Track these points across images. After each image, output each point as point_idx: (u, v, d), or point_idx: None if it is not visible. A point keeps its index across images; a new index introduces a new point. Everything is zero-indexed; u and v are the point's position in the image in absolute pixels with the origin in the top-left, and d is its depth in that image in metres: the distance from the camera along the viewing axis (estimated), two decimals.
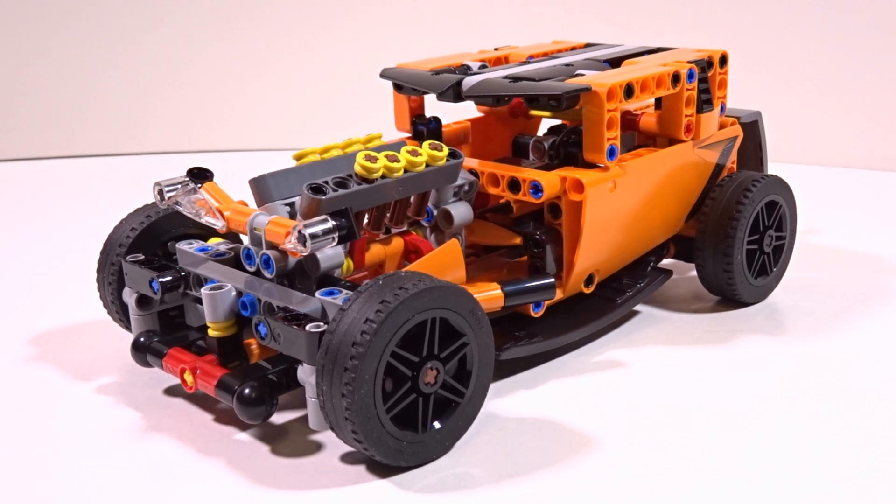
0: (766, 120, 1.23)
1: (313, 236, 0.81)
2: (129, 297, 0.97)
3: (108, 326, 1.08)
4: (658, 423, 0.89)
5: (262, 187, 0.91)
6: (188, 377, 0.88)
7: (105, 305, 1.03)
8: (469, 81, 1.00)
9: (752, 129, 1.21)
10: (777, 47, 1.82)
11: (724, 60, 1.11)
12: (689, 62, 1.05)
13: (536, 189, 0.96)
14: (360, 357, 0.75)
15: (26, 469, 0.85)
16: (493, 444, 0.86)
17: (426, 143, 0.93)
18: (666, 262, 1.17)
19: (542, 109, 1.10)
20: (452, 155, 0.94)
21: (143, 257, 0.97)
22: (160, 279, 0.92)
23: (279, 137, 2.02)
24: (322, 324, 0.79)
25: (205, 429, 0.90)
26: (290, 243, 0.83)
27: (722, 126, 1.14)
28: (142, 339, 0.93)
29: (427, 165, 0.92)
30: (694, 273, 1.17)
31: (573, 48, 1.22)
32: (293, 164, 0.96)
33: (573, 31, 1.70)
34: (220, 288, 0.88)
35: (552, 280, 0.96)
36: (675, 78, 1.03)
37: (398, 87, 1.08)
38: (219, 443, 0.87)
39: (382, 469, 0.82)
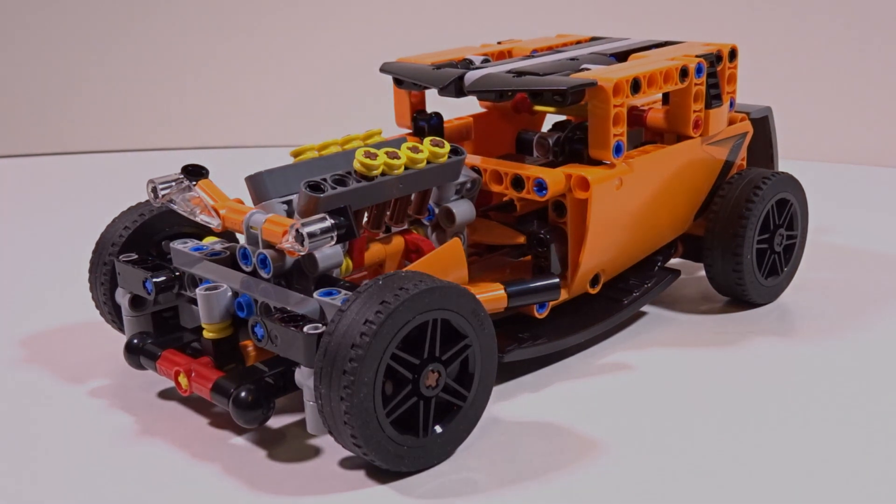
0: (776, 115, 1.22)
1: (311, 235, 0.81)
2: (122, 297, 0.96)
3: (100, 328, 1.07)
4: (665, 427, 0.88)
5: (259, 185, 0.90)
6: (183, 380, 0.87)
7: (97, 306, 1.02)
8: (471, 76, 1.00)
9: (763, 125, 1.20)
10: (788, 41, 1.82)
11: (733, 54, 1.11)
12: (697, 56, 1.05)
13: (541, 187, 0.95)
14: (359, 359, 0.74)
15: (17, 473, 0.84)
16: (496, 449, 0.85)
17: (427, 140, 0.93)
18: (674, 261, 1.16)
19: (546, 105, 1.09)
20: (454, 152, 0.94)
21: (136, 257, 0.96)
22: (154, 279, 0.92)
23: (276, 134, 2.02)
24: (320, 325, 0.79)
25: (200, 433, 0.89)
26: (288, 242, 0.82)
27: (731, 122, 1.13)
28: (135, 341, 0.93)
29: (428, 162, 0.92)
30: (702, 273, 1.16)
31: (578, 42, 1.22)
32: (291, 161, 0.95)
33: (578, 24, 1.70)
34: (216, 288, 0.88)
35: (557, 280, 0.95)
36: (683, 72, 1.02)
37: (398, 82, 1.09)
38: (214, 447, 0.87)
39: (382, 474, 0.81)
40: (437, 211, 0.98)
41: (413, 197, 0.95)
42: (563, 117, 1.20)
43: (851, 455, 0.83)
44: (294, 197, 0.90)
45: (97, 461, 0.85)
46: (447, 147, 0.93)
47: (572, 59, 1.06)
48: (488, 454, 0.84)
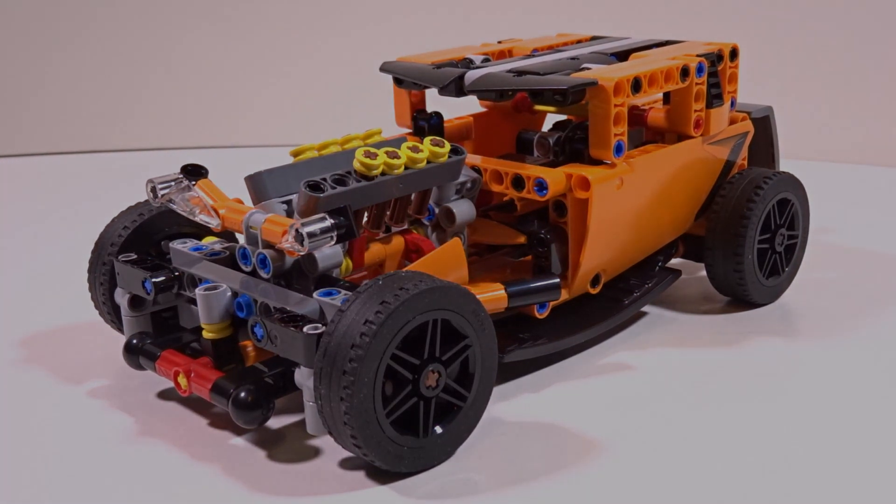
0: (777, 115, 1.22)
1: (311, 235, 0.80)
2: (122, 297, 0.96)
3: (99, 328, 1.06)
4: (666, 427, 0.88)
5: (259, 185, 0.90)
6: (182, 380, 0.87)
7: (96, 306, 1.02)
8: (472, 75, 0.99)
9: (764, 125, 1.20)
10: (789, 40, 1.81)
11: (734, 54, 1.10)
12: (698, 56, 1.05)
13: (541, 186, 0.95)
14: (359, 360, 0.74)
15: (15, 474, 0.84)
16: (497, 450, 0.85)
17: (427, 139, 0.92)
18: (674, 261, 1.16)
19: (546, 104, 1.09)
20: (454, 151, 0.94)
21: (135, 257, 0.96)
22: (153, 279, 0.91)
23: (276, 133, 2.02)
24: (320, 325, 0.78)
25: (199, 433, 0.89)
26: (288, 242, 0.82)
27: (732, 121, 1.13)
28: (134, 341, 0.92)
29: (428, 162, 0.92)
30: (703, 273, 1.16)
31: (579, 41, 1.22)
32: (290, 160, 0.95)
33: (578, 23, 1.69)
34: (215, 288, 0.87)
35: (557, 280, 0.95)
36: (684, 72, 1.02)
37: (398, 82, 1.08)
38: (214, 448, 0.86)
39: (382, 475, 0.81)
40: (437, 211, 0.97)
41: (413, 197, 0.95)
42: (563, 117, 1.19)
43: (853, 455, 0.82)
44: (294, 197, 0.89)
45: (96, 461, 0.85)
46: (447, 147, 0.92)
47: (573, 58, 1.05)
48: (489, 455, 0.84)
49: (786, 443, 0.85)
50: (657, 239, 1.09)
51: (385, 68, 1.08)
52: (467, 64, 1.07)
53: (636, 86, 0.97)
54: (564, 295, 0.99)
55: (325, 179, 0.85)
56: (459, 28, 1.87)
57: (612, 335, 1.06)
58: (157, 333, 0.95)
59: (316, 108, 2.03)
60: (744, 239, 1.06)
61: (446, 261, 0.91)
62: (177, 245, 0.94)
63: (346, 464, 0.83)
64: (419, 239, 0.94)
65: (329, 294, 0.82)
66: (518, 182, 0.97)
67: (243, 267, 0.88)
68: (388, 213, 0.93)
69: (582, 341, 1.01)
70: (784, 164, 1.25)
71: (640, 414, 0.90)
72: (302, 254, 0.82)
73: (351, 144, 0.98)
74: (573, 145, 1.01)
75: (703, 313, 1.12)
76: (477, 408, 0.84)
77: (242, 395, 0.81)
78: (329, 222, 0.81)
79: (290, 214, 0.89)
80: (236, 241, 0.98)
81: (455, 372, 0.82)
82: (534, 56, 1.09)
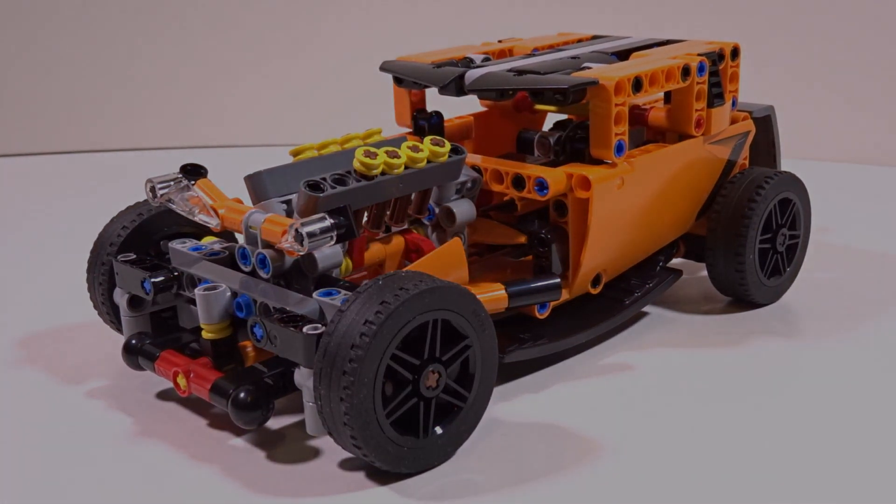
0: (779, 115, 1.22)
1: (311, 235, 0.80)
2: (121, 297, 0.96)
3: (98, 328, 1.06)
4: (667, 428, 0.88)
5: (258, 184, 0.89)
6: (181, 381, 0.87)
7: (95, 306, 1.02)
8: (472, 75, 0.99)
9: (765, 124, 1.20)
10: (790, 39, 1.81)
11: (735, 53, 1.10)
12: (699, 55, 1.04)
13: (542, 186, 0.95)
14: (359, 360, 0.74)
15: (13, 475, 0.84)
16: (497, 450, 0.85)
17: (427, 139, 0.92)
18: (676, 261, 1.16)
19: (547, 104, 1.09)
20: (455, 151, 0.94)
21: (134, 257, 0.96)
22: (152, 279, 0.91)
23: (276, 133, 2.02)
24: (320, 325, 0.78)
25: (198, 434, 0.89)
26: (287, 242, 0.82)
27: (733, 121, 1.13)
28: (133, 342, 0.92)
29: (428, 162, 0.91)
30: (704, 273, 1.16)
31: (579, 40, 1.22)
32: (290, 160, 0.95)
33: (579, 23, 1.69)
34: (215, 288, 0.87)
35: (558, 280, 0.95)
36: (686, 71, 1.02)
37: (399, 81, 1.08)
38: (213, 448, 0.86)
39: (382, 476, 0.81)
40: (437, 210, 0.97)
41: (413, 196, 0.94)
42: (564, 116, 1.19)
43: (855, 455, 0.82)
44: (293, 196, 0.89)
45: (95, 462, 0.85)
46: (447, 146, 0.92)
47: (573, 57, 1.05)
48: (489, 455, 0.84)
49: (786, 443, 0.84)
50: (658, 239, 1.09)
51: (385, 68, 1.08)
52: (467, 63, 1.06)
53: (637, 85, 0.97)
54: (565, 295, 0.99)
55: (324, 179, 0.85)
56: (459, 27, 1.87)
57: (613, 335, 1.06)
58: (157, 334, 0.95)
59: (316, 108, 2.02)
60: (745, 239, 1.06)
61: (446, 261, 0.91)
62: (176, 245, 0.94)
63: (346, 464, 0.83)
64: (419, 239, 0.94)
65: (329, 294, 0.82)
66: (518, 182, 0.96)
67: (243, 267, 0.88)
68: (388, 212, 0.93)
69: (582, 341, 1.01)
70: (785, 164, 1.25)
71: (641, 414, 0.90)
72: (302, 254, 0.82)
73: (351, 144, 0.98)
74: (574, 145, 1.01)
75: (704, 313, 1.12)
76: (477, 408, 0.84)
77: (242, 395, 0.81)
78: (329, 222, 0.81)
79: (289, 214, 0.89)
80: (236, 240, 0.97)
81: (455, 372, 0.82)
82: (534, 55, 1.09)
